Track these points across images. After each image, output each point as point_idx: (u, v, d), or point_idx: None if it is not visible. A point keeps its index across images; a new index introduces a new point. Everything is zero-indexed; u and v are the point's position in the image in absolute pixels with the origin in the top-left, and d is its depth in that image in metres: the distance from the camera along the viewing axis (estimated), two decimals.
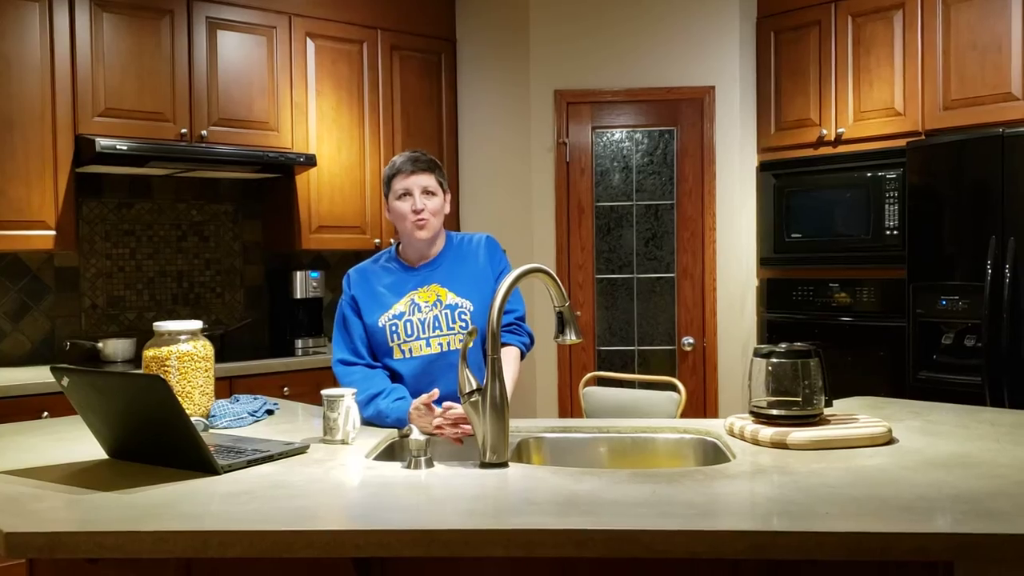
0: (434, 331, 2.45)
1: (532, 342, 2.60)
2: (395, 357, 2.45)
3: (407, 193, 2.48)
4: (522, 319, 2.58)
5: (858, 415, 2.17)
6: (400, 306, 2.48)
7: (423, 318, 2.46)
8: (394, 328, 2.45)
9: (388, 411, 2.31)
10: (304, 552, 1.45)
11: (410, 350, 2.45)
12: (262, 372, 3.91)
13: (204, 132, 4.00)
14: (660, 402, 2.95)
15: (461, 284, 2.51)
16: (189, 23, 3.99)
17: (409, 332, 2.45)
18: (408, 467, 1.83)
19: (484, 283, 2.51)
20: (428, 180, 2.49)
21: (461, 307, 2.47)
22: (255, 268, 4.60)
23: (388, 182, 2.53)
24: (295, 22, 4.31)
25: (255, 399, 2.57)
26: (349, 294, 2.53)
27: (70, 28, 3.69)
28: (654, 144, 4.48)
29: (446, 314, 2.46)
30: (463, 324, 2.45)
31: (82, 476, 1.83)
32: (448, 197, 2.58)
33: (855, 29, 4.11)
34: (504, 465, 1.86)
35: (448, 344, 2.46)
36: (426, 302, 2.48)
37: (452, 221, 4.85)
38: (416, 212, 2.46)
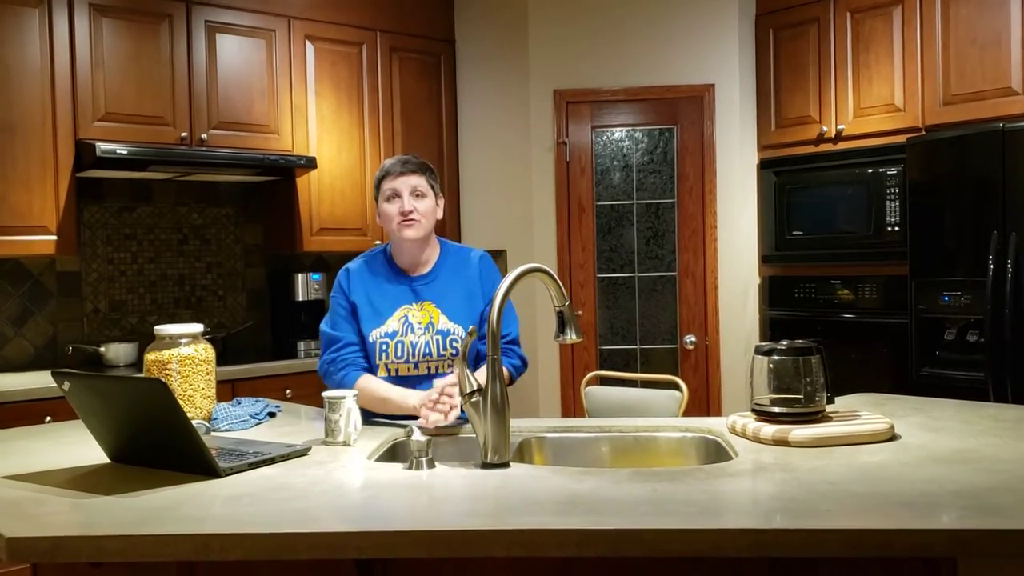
0: (424, 357, 2.44)
1: (525, 366, 2.54)
2: (379, 374, 2.45)
3: (396, 195, 2.45)
4: (515, 342, 2.53)
5: (860, 412, 2.17)
6: (393, 322, 2.45)
7: (415, 341, 2.43)
8: (384, 347, 2.44)
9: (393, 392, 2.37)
10: (306, 554, 1.45)
11: (396, 370, 2.44)
12: (264, 375, 3.91)
13: (204, 135, 4.00)
14: (662, 401, 2.95)
15: (453, 305, 2.47)
16: (188, 27, 3.99)
17: (399, 354, 2.44)
18: (410, 468, 1.83)
19: (475, 305, 2.49)
20: (418, 181, 2.45)
21: (453, 333, 2.44)
22: (256, 271, 4.60)
23: (378, 185, 2.50)
24: (294, 25, 4.32)
25: (257, 401, 2.57)
26: (350, 300, 2.50)
27: (70, 34, 3.69)
28: (654, 143, 4.48)
29: (437, 340, 2.44)
30: (454, 352, 2.43)
31: (84, 480, 1.83)
32: (441, 202, 2.53)
33: (854, 25, 4.10)
34: (506, 465, 1.86)
35: (436, 368, 2.44)
36: (419, 323, 2.45)
37: (452, 222, 4.85)
38: (403, 213, 2.43)
